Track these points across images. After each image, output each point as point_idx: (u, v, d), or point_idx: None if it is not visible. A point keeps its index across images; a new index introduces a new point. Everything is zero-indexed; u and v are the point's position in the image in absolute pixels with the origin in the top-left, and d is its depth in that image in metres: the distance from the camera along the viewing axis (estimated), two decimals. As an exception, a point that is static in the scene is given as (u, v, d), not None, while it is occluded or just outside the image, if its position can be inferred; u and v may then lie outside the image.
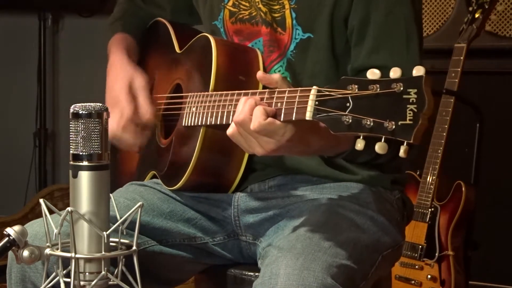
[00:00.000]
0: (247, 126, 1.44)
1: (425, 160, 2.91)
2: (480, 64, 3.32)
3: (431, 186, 2.89)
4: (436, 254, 2.86)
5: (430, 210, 2.88)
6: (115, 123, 1.76)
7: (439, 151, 2.88)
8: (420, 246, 2.88)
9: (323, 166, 1.72)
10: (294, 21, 1.73)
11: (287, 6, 1.74)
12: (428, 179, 2.90)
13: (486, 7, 3.00)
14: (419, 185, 2.91)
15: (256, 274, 1.64)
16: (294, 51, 1.74)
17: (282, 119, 1.43)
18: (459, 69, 2.91)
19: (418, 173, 2.93)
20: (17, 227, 1.36)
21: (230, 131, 1.49)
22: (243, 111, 1.45)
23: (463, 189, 2.87)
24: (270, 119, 1.42)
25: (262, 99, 1.47)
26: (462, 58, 2.93)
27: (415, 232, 2.89)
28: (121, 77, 1.83)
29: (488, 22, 3.22)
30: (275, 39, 1.75)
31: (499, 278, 3.33)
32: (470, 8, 3.04)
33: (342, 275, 1.48)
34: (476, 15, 3.00)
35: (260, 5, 1.76)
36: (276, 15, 1.75)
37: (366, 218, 1.67)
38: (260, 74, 1.51)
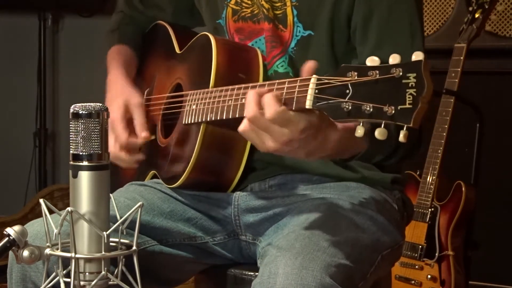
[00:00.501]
0: (259, 121, 1.40)
1: (425, 160, 2.91)
2: (480, 64, 3.32)
3: (431, 186, 2.89)
4: (436, 254, 2.86)
5: (430, 210, 2.88)
6: (111, 147, 1.78)
7: (439, 151, 2.88)
8: (420, 246, 2.88)
9: (324, 164, 1.72)
10: (295, 18, 1.74)
11: (288, 4, 1.74)
12: (428, 179, 2.90)
13: (486, 7, 3.00)
14: (419, 185, 2.91)
15: (256, 274, 1.64)
16: (295, 48, 1.75)
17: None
18: (459, 69, 2.92)
19: (418, 173, 2.93)
20: (17, 227, 1.36)
21: (241, 127, 1.45)
22: (251, 107, 1.41)
23: (463, 189, 2.87)
24: (284, 107, 1.39)
25: None
26: (462, 58, 2.93)
27: (415, 232, 2.89)
28: (117, 98, 1.85)
29: (488, 22, 3.22)
30: (277, 35, 1.76)
31: (499, 278, 3.33)
32: (470, 8, 3.04)
33: (341, 275, 1.48)
34: (476, 15, 3.00)
35: (263, 2, 1.77)
36: (277, 12, 1.76)
37: (366, 218, 1.67)
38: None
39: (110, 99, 1.87)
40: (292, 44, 1.75)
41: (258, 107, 1.40)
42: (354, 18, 1.69)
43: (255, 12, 1.80)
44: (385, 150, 1.64)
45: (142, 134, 1.80)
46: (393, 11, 1.67)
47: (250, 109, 1.41)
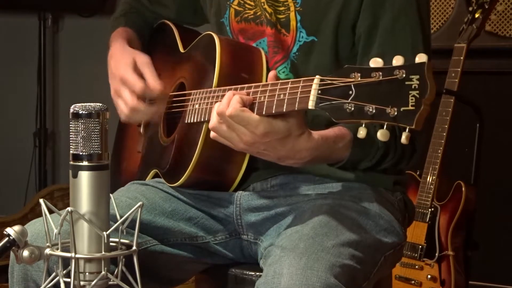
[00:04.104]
0: (224, 116, 1.48)
1: (425, 160, 2.91)
2: (480, 64, 3.32)
3: (431, 186, 2.89)
4: (436, 254, 2.86)
5: (430, 210, 2.88)
6: (128, 100, 1.76)
7: (439, 151, 2.88)
8: (420, 246, 2.88)
9: (325, 165, 1.72)
10: (298, 24, 1.74)
11: (292, 8, 1.74)
12: (428, 179, 2.90)
13: (486, 7, 3.00)
14: (419, 185, 2.91)
15: (257, 273, 1.64)
16: (297, 53, 1.75)
17: (273, 111, 1.45)
18: (459, 69, 2.92)
19: (418, 173, 2.93)
20: (17, 227, 1.36)
21: (211, 123, 1.51)
22: (222, 103, 1.49)
23: (463, 189, 2.87)
24: (245, 108, 1.46)
25: (265, 91, 1.48)
26: (462, 58, 2.93)
27: (415, 232, 2.89)
28: (123, 59, 1.83)
29: (488, 22, 3.22)
30: (279, 40, 1.76)
31: (499, 278, 3.33)
32: (470, 8, 3.05)
33: (345, 275, 1.48)
34: (476, 15, 3.00)
35: (266, 6, 1.76)
36: (280, 16, 1.76)
37: (368, 218, 1.67)
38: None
39: (114, 67, 1.84)
40: (294, 49, 1.75)
41: (228, 103, 1.48)
42: (358, 27, 1.70)
43: (258, 13, 1.79)
44: (371, 157, 1.65)
45: (157, 87, 1.76)
46: (396, 23, 1.67)
47: (221, 104, 1.49)
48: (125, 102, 1.77)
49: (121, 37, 1.94)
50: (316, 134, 1.52)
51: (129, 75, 1.78)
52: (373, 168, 1.70)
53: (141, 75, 1.79)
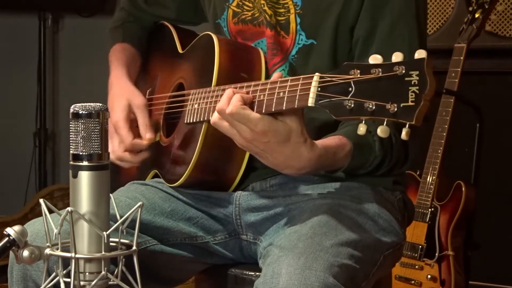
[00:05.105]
0: (224, 114, 1.48)
1: (425, 160, 2.91)
2: (480, 64, 3.32)
3: (431, 186, 2.89)
4: (436, 254, 2.86)
5: (430, 210, 2.88)
6: (116, 149, 1.81)
7: (439, 151, 2.88)
8: (420, 246, 2.88)
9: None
10: (298, 26, 1.74)
11: (292, 11, 1.74)
12: (428, 179, 2.90)
13: (486, 7, 3.00)
14: (419, 185, 2.91)
15: (257, 273, 1.64)
16: (295, 55, 1.75)
17: (273, 109, 1.45)
18: (459, 69, 2.92)
19: (418, 173, 2.93)
20: (17, 227, 1.35)
21: (213, 119, 1.52)
22: (223, 100, 1.49)
23: (463, 189, 2.87)
24: (245, 106, 1.46)
25: (264, 89, 1.48)
26: (462, 58, 2.93)
27: (415, 232, 2.89)
28: (120, 97, 1.85)
29: (488, 22, 3.22)
30: (278, 42, 1.76)
31: (499, 278, 3.33)
32: (470, 8, 3.04)
33: (344, 275, 1.48)
34: (476, 15, 3.00)
35: (266, 7, 1.76)
36: (280, 18, 1.76)
37: (367, 218, 1.67)
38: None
39: (112, 99, 1.87)
40: (293, 52, 1.75)
41: (228, 101, 1.47)
42: (356, 31, 1.70)
43: (256, 15, 1.79)
44: (367, 165, 1.65)
45: (147, 135, 1.80)
46: (394, 27, 1.68)
47: (221, 102, 1.49)
48: (113, 150, 1.81)
49: (119, 61, 1.96)
50: (319, 143, 1.52)
51: (121, 124, 1.81)
52: (368, 175, 1.70)
53: (134, 120, 1.82)
